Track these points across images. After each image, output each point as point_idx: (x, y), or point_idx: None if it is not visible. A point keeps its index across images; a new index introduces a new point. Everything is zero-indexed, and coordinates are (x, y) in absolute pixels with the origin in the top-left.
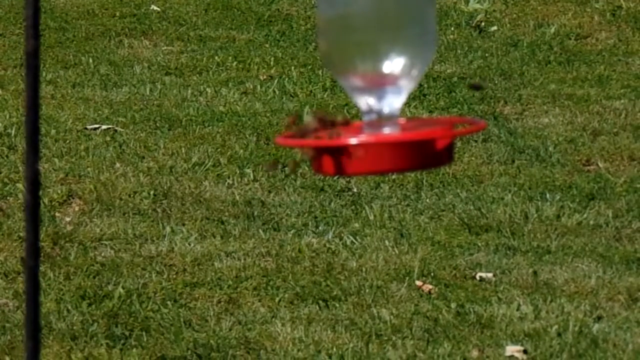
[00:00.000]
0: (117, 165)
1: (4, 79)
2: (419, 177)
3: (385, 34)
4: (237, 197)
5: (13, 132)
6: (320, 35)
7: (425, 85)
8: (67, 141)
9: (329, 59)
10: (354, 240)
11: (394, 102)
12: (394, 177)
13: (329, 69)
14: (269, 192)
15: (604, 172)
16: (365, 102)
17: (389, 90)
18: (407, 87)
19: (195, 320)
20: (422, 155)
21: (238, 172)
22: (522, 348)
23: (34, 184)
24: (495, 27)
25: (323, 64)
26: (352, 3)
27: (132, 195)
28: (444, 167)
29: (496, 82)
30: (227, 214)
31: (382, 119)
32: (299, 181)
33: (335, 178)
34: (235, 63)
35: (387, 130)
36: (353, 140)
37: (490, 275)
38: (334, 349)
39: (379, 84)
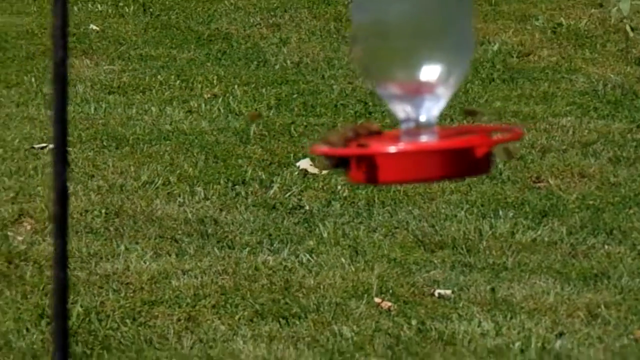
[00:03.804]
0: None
1: None
2: (370, 195)
3: (423, 40)
4: (190, 215)
5: None
6: (354, 43)
7: (371, 103)
8: (15, 160)
9: (364, 67)
10: (310, 258)
11: (431, 110)
12: (345, 194)
13: (364, 76)
14: (221, 210)
15: (555, 189)
16: (403, 110)
17: (427, 98)
18: (445, 94)
19: (156, 338)
20: (461, 163)
21: (189, 190)
22: None
23: (63, 195)
24: None
25: (358, 72)
26: (387, 9)
27: (83, 214)
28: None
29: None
30: (180, 232)
31: (419, 127)
32: (250, 199)
33: (287, 196)
34: (178, 82)
35: (424, 139)
36: (392, 149)
37: (448, 292)
38: None
39: (417, 92)
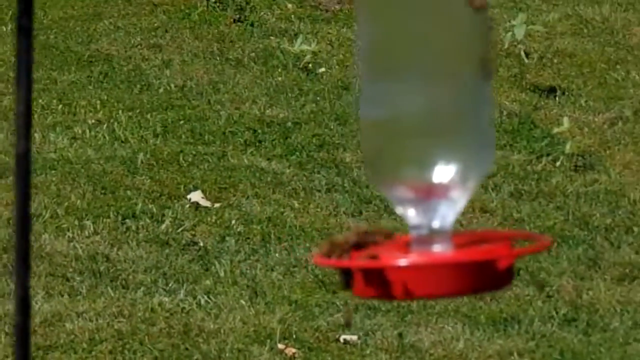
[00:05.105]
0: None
1: None
2: (265, 230)
3: (437, 139)
4: (80, 252)
5: None
6: (363, 141)
7: (260, 131)
8: None
9: (372, 167)
10: (208, 299)
11: (446, 215)
12: (239, 229)
13: (372, 178)
14: (112, 245)
15: (457, 226)
16: (414, 215)
17: (441, 203)
18: (461, 198)
19: None
20: (482, 277)
21: (77, 224)
22: None
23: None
24: (323, 69)
25: (365, 174)
26: (399, 104)
27: None
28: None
29: (332, 127)
30: (71, 269)
31: (432, 235)
32: (142, 234)
33: (179, 231)
34: (60, 106)
35: (438, 248)
36: (402, 262)
37: (354, 337)
38: None
39: (430, 196)
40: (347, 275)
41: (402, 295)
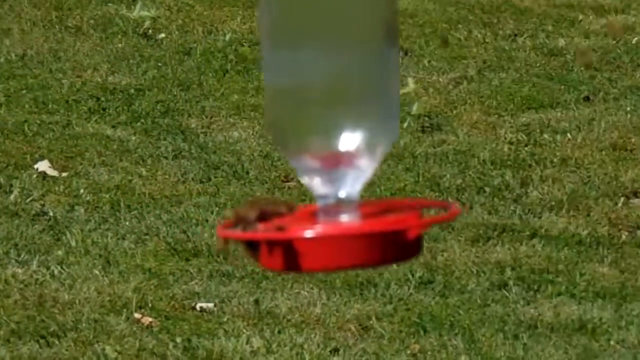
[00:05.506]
0: None
1: None
2: (114, 198)
3: (343, 107)
4: None
5: None
6: (266, 110)
7: (103, 99)
8: None
9: (277, 137)
10: (61, 270)
11: (353, 184)
12: (88, 198)
13: (278, 147)
14: None
15: (306, 188)
16: (320, 185)
17: (347, 172)
18: (368, 167)
19: None
20: (390, 247)
21: None
22: None
23: None
24: (163, 35)
25: (272, 142)
26: (304, 72)
27: None
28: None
29: (175, 93)
30: None
31: (339, 204)
32: None
33: (28, 202)
34: None
35: (346, 218)
36: (308, 233)
37: (210, 305)
38: None
39: (336, 165)
40: (252, 248)
41: (309, 267)
